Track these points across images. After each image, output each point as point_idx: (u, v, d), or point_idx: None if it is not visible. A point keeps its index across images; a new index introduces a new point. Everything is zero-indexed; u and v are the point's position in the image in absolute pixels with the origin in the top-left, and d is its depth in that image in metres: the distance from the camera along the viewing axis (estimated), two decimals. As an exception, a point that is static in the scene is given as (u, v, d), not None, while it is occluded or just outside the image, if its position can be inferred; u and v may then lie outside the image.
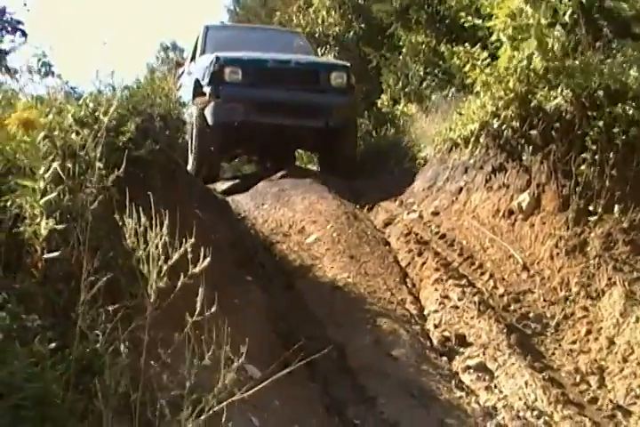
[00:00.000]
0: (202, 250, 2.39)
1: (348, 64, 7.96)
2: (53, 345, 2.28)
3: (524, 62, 5.56)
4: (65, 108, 3.77)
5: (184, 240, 2.59)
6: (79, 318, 2.37)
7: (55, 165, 2.94)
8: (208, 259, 2.36)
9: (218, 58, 7.18)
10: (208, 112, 7.12)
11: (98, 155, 3.35)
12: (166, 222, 2.38)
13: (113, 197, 3.21)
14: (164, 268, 2.32)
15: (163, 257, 2.33)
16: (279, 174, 7.41)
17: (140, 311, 2.44)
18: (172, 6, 47.98)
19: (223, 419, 2.24)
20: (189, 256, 2.33)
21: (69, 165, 3.17)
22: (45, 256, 2.63)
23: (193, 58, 8.77)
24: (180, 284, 2.32)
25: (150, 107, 4.88)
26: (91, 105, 3.89)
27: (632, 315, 3.88)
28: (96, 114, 3.80)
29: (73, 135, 3.47)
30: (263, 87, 7.23)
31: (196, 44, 8.75)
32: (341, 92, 7.55)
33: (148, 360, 2.47)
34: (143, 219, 2.41)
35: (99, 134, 3.64)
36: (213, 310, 2.32)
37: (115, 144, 3.78)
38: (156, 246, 2.35)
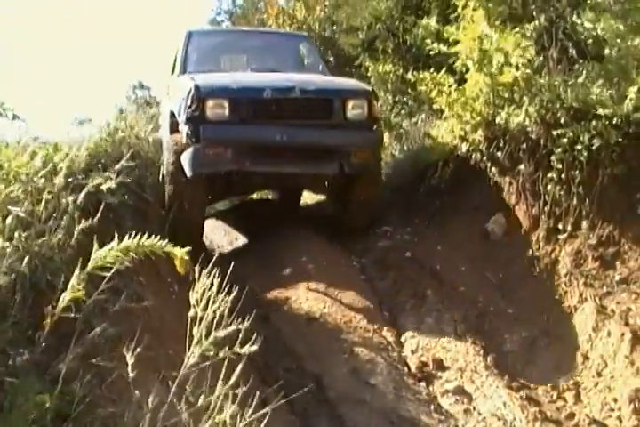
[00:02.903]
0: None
1: (370, 88, 6.03)
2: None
3: (490, 81, 5.64)
4: (34, 151, 3.82)
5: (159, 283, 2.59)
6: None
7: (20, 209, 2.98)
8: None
9: (197, 87, 5.36)
10: (185, 160, 5.36)
11: (71, 199, 3.40)
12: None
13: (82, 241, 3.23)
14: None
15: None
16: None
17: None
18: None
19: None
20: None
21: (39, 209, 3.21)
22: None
23: (173, 72, 6.96)
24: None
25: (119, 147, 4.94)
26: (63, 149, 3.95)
27: (604, 329, 3.92)
28: (68, 157, 3.85)
29: (42, 180, 3.51)
30: (258, 125, 5.42)
31: (176, 55, 7.00)
32: (361, 126, 5.64)
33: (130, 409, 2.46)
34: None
35: (69, 179, 3.70)
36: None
37: (83, 188, 3.81)
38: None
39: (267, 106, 5.45)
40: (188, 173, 5.33)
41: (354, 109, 5.61)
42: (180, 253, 2.30)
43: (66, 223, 3.21)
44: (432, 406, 3.68)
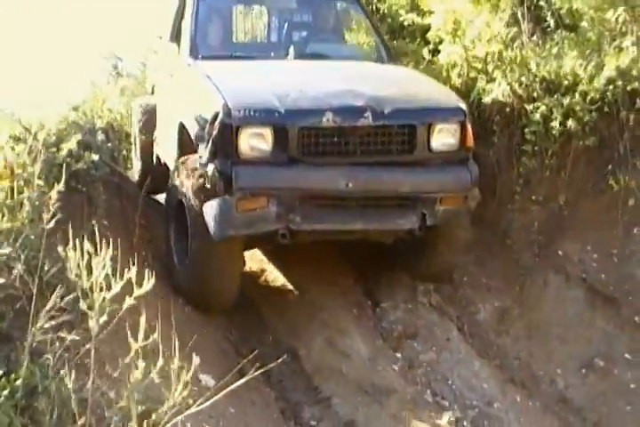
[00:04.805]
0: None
1: (463, 105, 4.25)
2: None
3: (464, 53, 5.63)
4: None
5: (130, 257, 2.58)
6: (27, 343, 2.36)
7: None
8: (152, 282, 2.31)
9: (228, 109, 3.79)
10: (209, 216, 3.81)
11: (37, 171, 3.34)
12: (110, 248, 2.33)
13: (55, 214, 3.20)
14: (107, 297, 2.28)
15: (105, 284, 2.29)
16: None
17: (88, 334, 2.44)
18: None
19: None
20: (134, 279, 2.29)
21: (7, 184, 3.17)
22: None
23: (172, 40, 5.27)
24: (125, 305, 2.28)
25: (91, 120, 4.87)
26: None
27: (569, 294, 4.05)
28: (32, 130, 3.79)
29: (8, 152, 3.45)
30: (313, 166, 3.85)
31: (179, 18, 5.30)
32: (451, 160, 4.09)
33: (98, 379, 2.47)
34: (87, 245, 2.34)
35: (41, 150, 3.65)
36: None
37: (55, 159, 3.76)
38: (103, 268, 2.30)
39: (326, 137, 3.84)
40: (215, 235, 3.79)
41: (442, 138, 4.04)
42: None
43: (36, 196, 3.18)
44: (407, 376, 3.74)
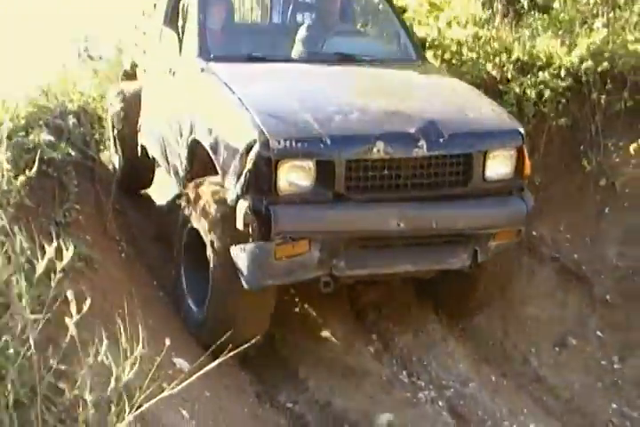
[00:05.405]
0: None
1: (520, 126, 3.72)
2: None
3: (439, 33, 5.62)
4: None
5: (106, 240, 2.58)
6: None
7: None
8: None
9: (266, 139, 3.23)
10: (242, 263, 3.29)
11: (5, 156, 3.30)
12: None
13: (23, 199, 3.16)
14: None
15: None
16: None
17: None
18: None
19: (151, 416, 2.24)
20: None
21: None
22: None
23: (171, 20, 4.75)
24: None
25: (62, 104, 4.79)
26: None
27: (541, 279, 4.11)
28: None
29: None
30: (361, 203, 3.34)
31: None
32: (506, 190, 3.62)
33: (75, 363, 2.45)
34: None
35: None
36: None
37: (24, 144, 3.71)
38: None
39: (375, 170, 3.33)
40: (249, 284, 3.30)
41: (498, 166, 3.54)
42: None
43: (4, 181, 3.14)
44: (384, 359, 3.78)
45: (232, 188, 3.30)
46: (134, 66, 5.77)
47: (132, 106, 5.47)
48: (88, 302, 2.16)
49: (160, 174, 5.52)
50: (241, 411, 3.24)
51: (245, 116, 3.36)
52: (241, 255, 3.25)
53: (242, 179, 3.23)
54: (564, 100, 4.77)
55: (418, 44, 4.81)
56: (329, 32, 4.47)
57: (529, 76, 4.93)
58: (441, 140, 3.35)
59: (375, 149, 3.25)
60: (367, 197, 3.32)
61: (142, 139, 5.25)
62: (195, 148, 3.85)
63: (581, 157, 4.69)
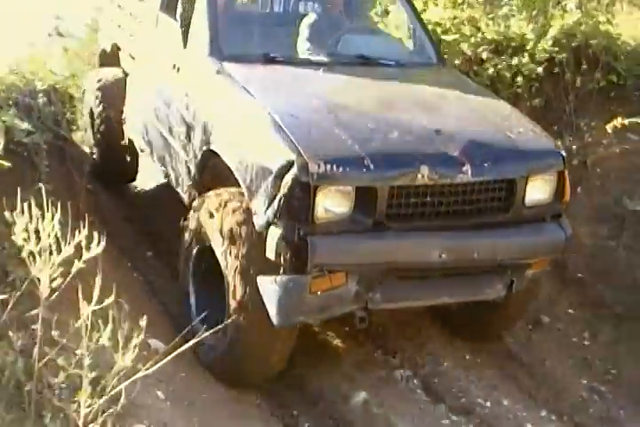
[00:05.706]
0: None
1: (561, 149, 3.57)
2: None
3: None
4: None
5: (78, 221, 2.52)
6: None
7: None
8: (103, 244, 2.24)
9: (304, 163, 2.89)
10: (271, 299, 2.98)
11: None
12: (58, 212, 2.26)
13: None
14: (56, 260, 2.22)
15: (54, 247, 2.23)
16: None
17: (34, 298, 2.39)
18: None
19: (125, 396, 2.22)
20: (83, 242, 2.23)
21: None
22: None
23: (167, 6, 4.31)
24: (74, 269, 2.22)
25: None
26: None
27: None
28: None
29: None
30: (401, 232, 3.04)
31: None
32: (545, 216, 3.37)
33: (44, 345, 2.43)
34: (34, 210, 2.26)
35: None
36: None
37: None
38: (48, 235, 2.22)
39: (417, 196, 3.04)
40: (277, 321, 3.00)
41: (538, 191, 3.29)
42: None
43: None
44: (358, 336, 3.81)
45: (261, 212, 2.96)
46: (117, 48, 5.36)
47: (114, 94, 5.11)
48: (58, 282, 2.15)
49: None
50: (217, 391, 3.24)
51: (277, 133, 3.03)
52: (271, 288, 2.93)
53: (274, 204, 2.89)
54: (537, 79, 4.79)
55: (437, 44, 4.53)
56: (340, 28, 4.15)
57: (503, 57, 4.94)
58: (485, 164, 3.08)
59: (420, 175, 2.96)
60: (408, 225, 3.03)
61: (129, 132, 4.90)
62: (208, 157, 3.48)
63: (555, 137, 4.71)
